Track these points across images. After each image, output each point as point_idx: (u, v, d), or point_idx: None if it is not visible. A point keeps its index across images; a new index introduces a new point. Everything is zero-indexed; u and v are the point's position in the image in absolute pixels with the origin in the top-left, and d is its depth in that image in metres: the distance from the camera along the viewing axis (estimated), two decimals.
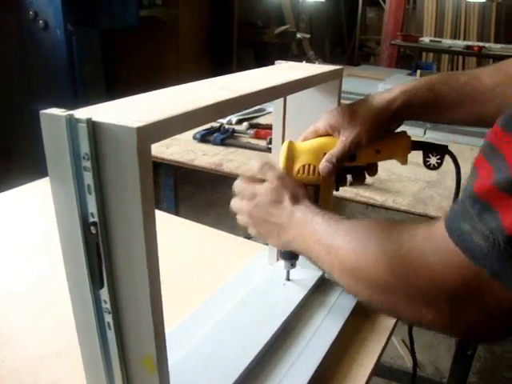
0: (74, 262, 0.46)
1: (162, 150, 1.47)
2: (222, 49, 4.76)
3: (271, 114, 2.01)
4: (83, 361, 0.53)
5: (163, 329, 0.48)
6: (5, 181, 1.36)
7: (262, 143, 1.59)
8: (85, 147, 0.40)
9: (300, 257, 0.76)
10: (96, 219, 0.43)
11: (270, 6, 6.34)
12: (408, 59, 6.44)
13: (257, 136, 1.67)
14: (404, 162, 0.71)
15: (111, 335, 0.48)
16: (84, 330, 0.50)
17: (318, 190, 0.70)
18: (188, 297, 0.85)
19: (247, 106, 0.57)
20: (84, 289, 0.47)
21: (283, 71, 0.68)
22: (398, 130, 0.74)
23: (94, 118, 0.40)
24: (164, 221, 1.10)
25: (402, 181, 1.38)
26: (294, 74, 0.65)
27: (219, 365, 0.66)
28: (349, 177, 0.75)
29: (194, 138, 1.61)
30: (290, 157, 0.69)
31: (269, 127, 1.76)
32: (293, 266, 0.79)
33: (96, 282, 0.46)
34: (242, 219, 0.70)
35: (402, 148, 0.71)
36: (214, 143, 1.58)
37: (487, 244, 0.38)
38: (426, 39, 5.73)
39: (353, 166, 0.71)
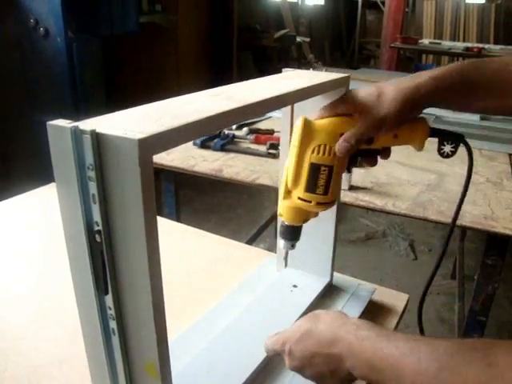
0: (80, 269, 0.47)
1: (162, 156, 1.48)
2: (221, 53, 4.78)
3: (271, 119, 2.03)
4: (89, 365, 0.54)
5: (166, 335, 0.49)
6: (5, 188, 1.38)
7: (262, 148, 1.60)
8: (89, 158, 0.42)
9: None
10: (100, 228, 0.44)
11: (269, 10, 6.36)
12: (408, 61, 6.46)
13: (257, 141, 1.68)
14: (420, 148, 0.70)
15: (115, 341, 0.49)
16: (90, 335, 0.51)
17: (331, 171, 0.67)
18: (193, 304, 0.86)
19: (252, 116, 0.57)
20: (89, 295, 0.48)
21: (290, 79, 0.68)
22: None
23: (98, 130, 0.41)
24: (166, 228, 1.11)
25: (401, 184, 1.39)
26: (301, 82, 0.65)
27: (223, 371, 0.66)
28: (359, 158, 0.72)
29: (194, 143, 1.62)
30: (306, 135, 0.66)
31: (269, 132, 1.77)
32: (293, 247, 0.75)
33: (101, 289, 0.47)
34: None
35: (419, 134, 0.69)
36: (214, 149, 1.59)
37: None
38: (425, 41, 5.75)
39: (367, 148, 0.69)
